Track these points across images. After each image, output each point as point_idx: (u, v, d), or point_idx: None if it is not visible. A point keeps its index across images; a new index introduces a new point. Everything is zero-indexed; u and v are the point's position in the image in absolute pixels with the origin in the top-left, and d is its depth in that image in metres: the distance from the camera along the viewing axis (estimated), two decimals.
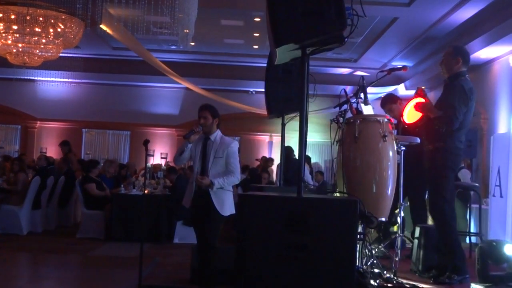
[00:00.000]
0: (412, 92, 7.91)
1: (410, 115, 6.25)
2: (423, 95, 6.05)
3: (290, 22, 3.74)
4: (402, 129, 6.77)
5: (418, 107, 6.00)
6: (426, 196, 6.89)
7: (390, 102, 7.67)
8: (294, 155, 11.47)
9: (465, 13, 12.16)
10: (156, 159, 19.09)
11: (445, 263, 5.79)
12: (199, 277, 6.18)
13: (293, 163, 10.77)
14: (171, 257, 9.22)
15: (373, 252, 5.63)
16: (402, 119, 6.41)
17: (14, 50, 13.06)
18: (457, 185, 8.64)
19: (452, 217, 5.82)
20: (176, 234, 10.90)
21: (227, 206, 6.05)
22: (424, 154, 6.13)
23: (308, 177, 12.78)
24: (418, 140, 6.57)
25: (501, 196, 7.58)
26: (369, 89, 6.12)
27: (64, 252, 9.69)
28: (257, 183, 11.62)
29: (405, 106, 6.35)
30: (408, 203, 7.42)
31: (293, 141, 9.43)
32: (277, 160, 17.26)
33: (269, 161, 16.22)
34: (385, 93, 18.34)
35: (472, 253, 7.72)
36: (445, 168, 5.83)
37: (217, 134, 6.22)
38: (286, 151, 10.77)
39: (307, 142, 4.11)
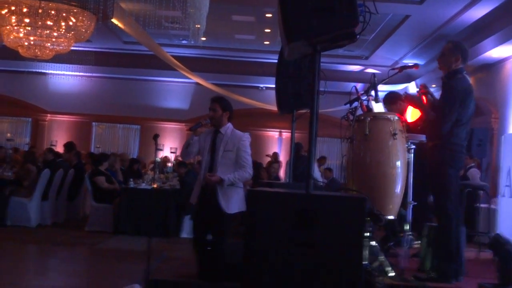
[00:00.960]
0: None
1: (414, 113, 6.23)
2: (426, 92, 6.01)
3: (302, 18, 3.73)
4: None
5: (417, 105, 5.99)
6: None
7: (389, 103, 7.51)
8: (304, 152, 11.46)
9: (477, 12, 12.11)
10: (166, 154, 19.12)
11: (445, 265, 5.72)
12: (199, 272, 6.15)
13: (302, 160, 10.77)
14: (178, 252, 9.23)
15: (381, 250, 5.61)
16: (404, 117, 6.34)
17: (26, 43, 13.09)
18: (466, 184, 8.63)
19: (456, 217, 5.76)
20: (184, 228, 10.91)
21: (234, 203, 5.95)
22: (427, 152, 6.09)
23: (317, 174, 12.78)
24: (425, 138, 6.55)
25: (510, 197, 7.54)
26: (380, 87, 6.09)
27: (72, 244, 9.73)
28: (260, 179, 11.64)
29: (408, 105, 6.32)
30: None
31: (302, 138, 9.44)
32: (285, 156, 17.31)
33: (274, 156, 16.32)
34: (396, 91, 18.39)
35: (481, 253, 7.70)
36: (444, 165, 5.75)
37: (227, 128, 6.12)
38: (296, 148, 10.77)
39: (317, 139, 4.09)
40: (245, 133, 6.16)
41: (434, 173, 5.88)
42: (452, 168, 5.75)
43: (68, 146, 14.66)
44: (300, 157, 11.26)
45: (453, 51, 5.88)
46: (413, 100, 6.11)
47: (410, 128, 6.42)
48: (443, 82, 5.98)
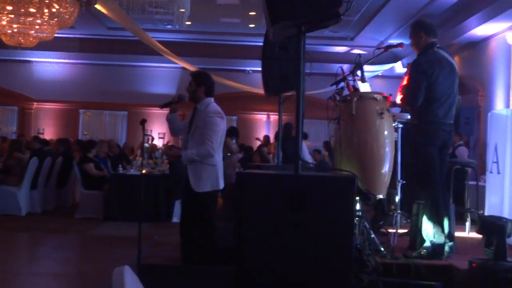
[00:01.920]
0: None
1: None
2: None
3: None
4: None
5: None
6: None
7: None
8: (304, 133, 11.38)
9: None
10: (154, 139, 19.08)
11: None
12: (181, 253, 6.07)
13: (292, 141, 10.72)
14: (169, 236, 9.22)
15: (371, 229, 5.65)
16: (397, 95, 6.37)
17: (9, 31, 12.97)
18: (454, 162, 8.66)
19: (441, 194, 5.79)
20: (174, 213, 10.92)
21: (205, 181, 5.75)
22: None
23: (307, 155, 12.77)
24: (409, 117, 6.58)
25: (498, 173, 7.59)
26: (366, 67, 6.11)
27: (63, 232, 9.74)
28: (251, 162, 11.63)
29: (401, 84, 6.34)
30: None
31: (290, 120, 9.43)
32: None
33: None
34: (382, 71, 18.43)
35: (471, 230, 7.76)
36: (423, 144, 5.77)
37: (203, 103, 5.89)
38: (285, 129, 10.75)
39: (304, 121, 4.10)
40: (218, 112, 5.84)
41: (415, 152, 5.90)
42: (431, 147, 5.75)
43: (61, 141, 14.66)
44: (291, 138, 11.21)
45: (414, 31, 5.95)
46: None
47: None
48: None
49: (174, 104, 6.13)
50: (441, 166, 5.91)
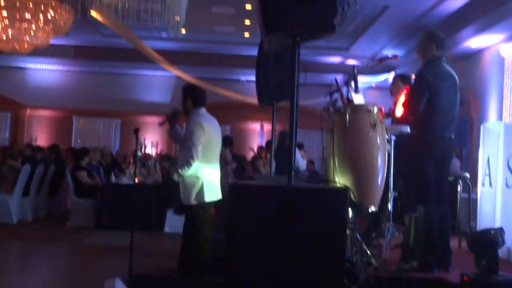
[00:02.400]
0: None
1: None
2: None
3: (281, 9, 3.72)
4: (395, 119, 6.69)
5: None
6: None
7: (400, 80, 7.56)
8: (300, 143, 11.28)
9: (456, 2, 12.17)
10: (147, 148, 19.02)
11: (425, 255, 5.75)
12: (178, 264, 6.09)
13: (286, 151, 10.61)
14: (161, 246, 9.22)
15: (363, 241, 5.64)
16: (394, 109, 6.37)
17: (4, 37, 12.97)
18: None
19: (437, 207, 5.78)
20: (166, 223, 10.88)
21: (189, 194, 5.78)
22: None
23: (301, 164, 12.73)
24: (409, 129, 6.56)
25: (490, 186, 7.59)
26: (360, 78, 6.11)
27: (54, 240, 9.69)
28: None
29: (399, 97, 6.34)
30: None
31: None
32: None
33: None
34: (376, 82, 18.47)
35: (462, 243, 7.74)
36: (421, 155, 5.77)
37: (191, 114, 5.91)
38: (280, 137, 10.69)
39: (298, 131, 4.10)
40: (200, 117, 5.81)
41: (412, 163, 5.90)
42: (428, 158, 5.76)
43: (52, 148, 14.64)
44: (285, 147, 11.08)
45: (425, 41, 5.96)
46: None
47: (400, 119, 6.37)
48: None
49: (170, 119, 6.11)
50: (442, 180, 5.91)
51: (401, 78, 7.65)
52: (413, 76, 6.62)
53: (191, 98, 5.94)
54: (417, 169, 5.80)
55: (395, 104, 6.50)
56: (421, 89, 5.71)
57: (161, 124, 6.28)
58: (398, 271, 5.51)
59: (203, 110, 5.96)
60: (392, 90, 7.54)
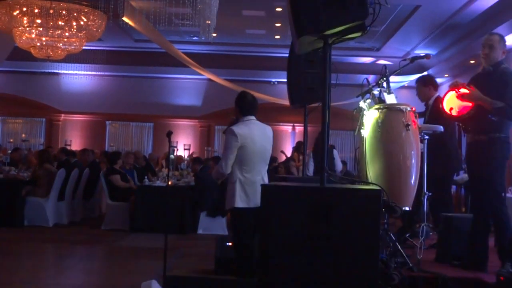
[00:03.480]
0: (437, 80, 7.86)
1: (451, 101, 6.01)
2: (464, 86, 5.84)
3: (312, 12, 3.72)
4: (446, 118, 6.47)
5: (464, 97, 5.78)
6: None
7: (421, 84, 7.57)
8: (332, 145, 11.28)
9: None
10: (179, 151, 19.16)
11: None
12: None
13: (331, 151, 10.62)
14: (195, 248, 9.28)
15: (398, 241, 5.61)
16: (443, 109, 6.16)
17: (38, 44, 13.20)
18: None
19: (504, 212, 5.68)
20: (200, 225, 10.96)
21: (227, 199, 5.87)
22: (469, 146, 5.93)
23: (338, 165, 12.75)
24: (442, 128, 6.49)
25: None
26: (392, 78, 6.05)
27: (89, 243, 9.81)
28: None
29: (444, 97, 6.13)
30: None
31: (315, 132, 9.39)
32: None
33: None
34: (408, 81, 18.33)
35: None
36: (503, 159, 5.68)
37: (238, 122, 6.01)
38: (319, 139, 10.74)
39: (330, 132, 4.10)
40: (231, 128, 5.86)
41: (488, 168, 5.72)
42: (506, 162, 5.71)
43: (83, 150, 14.85)
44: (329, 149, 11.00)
45: (500, 43, 5.81)
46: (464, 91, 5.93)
47: (452, 117, 6.18)
48: (489, 72, 5.82)
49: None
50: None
51: (423, 83, 7.60)
52: (445, 75, 6.50)
53: (239, 106, 6.02)
54: (494, 173, 5.69)
55: (441, 102, 6.24)
56: None
57: (224, 132, 6.34)
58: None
59: (248, 117, 5.99)
60: (419, 95, 7.53)
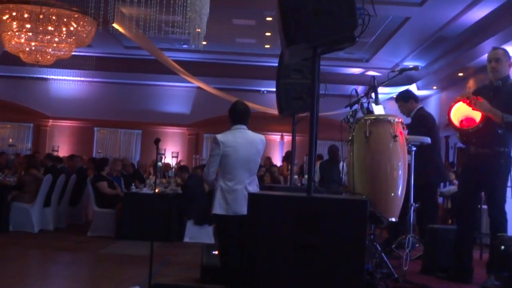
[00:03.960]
0: (425, 92, 7.90)
1: (458, 111, 5.93)
2: (476, 98, 5.77)
3: (301, 22, 3.74)
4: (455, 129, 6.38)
5: (477, 106, 5.69)
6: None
7: (402, 100, 7.62)
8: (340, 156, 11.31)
9: (478, 13, 12.11)
10: (167, 158, 19.12)
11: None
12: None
13: (337, 164, 10.61)
14: (181, 256, 9.24)
15: (383, 252, 5.62)
16: (450, 121, 6.08)
17: (27, 49, 13.15)
18: None
19: (504, 225, 5.69)
20: (186, 233, 10.91)
21: (211, 205, 5.85)
22: (473, 158, 5.88)
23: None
24: (429, 140, 6.53)
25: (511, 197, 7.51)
26: (381, 89, 6.10)
27: (75, 250, 9.74)
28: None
29: (451, 107, 6.03)
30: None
31: (303, 141, 9.39)
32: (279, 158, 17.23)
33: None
34: (396, 93, 18.40)
35: (484, 255, 7.69)
36: (506, 173, 5.66)
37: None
38: (330, 151, 10.96)
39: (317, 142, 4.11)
40: (215, 136, 5.87)
41: (494, 182, 5.70)
42: (509, 177, 5.72)
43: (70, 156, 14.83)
44: (337, 161, 10.89)
45: (505, 56, 5.79)
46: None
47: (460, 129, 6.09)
48: (498, 86, 5.77)
49: None
50: None
51: (403, 99, 7.62)
52: (434, 87, 6.53)
53: (229, 115, 6.03)
54: (499, 188, 5.69)
55: (448, 114, 6.15)
56: None
57: None
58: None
59: (237, 126, 5.97)
60: (403, 112, 7.55)
